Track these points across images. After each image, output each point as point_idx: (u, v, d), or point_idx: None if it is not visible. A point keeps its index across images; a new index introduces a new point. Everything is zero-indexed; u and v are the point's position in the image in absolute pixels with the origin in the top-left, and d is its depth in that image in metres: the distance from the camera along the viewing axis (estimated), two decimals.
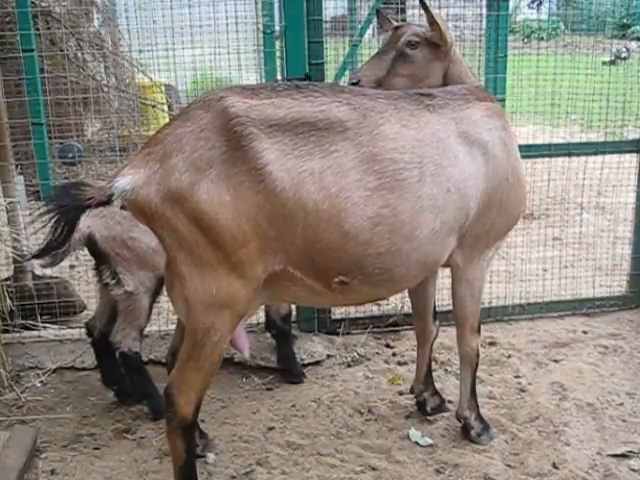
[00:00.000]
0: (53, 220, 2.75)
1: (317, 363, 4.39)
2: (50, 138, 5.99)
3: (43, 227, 2.81)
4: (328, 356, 4.45)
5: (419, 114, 3.13)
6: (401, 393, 4.04)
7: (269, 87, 2.99)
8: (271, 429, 3.78)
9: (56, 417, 3.91)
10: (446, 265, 3.39)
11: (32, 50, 4.17)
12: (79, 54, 7.76)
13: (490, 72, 4.51)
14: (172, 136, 2.80)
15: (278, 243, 2.85)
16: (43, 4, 7.54)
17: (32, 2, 5.49)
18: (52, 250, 2.88)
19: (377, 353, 4.51)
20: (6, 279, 4.50)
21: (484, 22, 4.72)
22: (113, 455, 3.60)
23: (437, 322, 3.77)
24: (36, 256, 3.01)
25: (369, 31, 5.46)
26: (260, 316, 4.45)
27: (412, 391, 3.88)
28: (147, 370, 3.95)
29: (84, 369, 4.38)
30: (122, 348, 3.81)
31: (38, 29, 6.77)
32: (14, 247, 4.34)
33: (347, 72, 4.89)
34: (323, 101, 2.95)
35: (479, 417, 3.62)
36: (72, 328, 4.62)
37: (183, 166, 2.73)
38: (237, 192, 2.74)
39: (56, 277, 4.74)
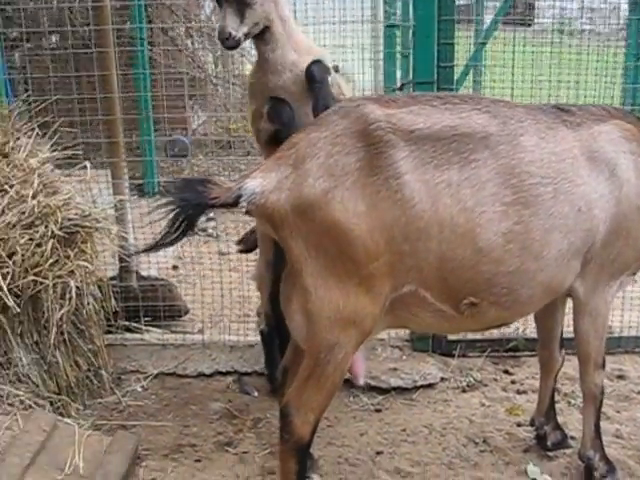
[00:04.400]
0: (172, 215, 2.88)
1: (430, 386, 4.45)
2: (156, 131, 6.29)
3: (160, 220, 2.94)
4: (442, 379, 4.50)
5: (556, 128, 3.17)
6: (519, 424, 4.06)
7: (407, 95, 3.10)
8: (379, 453, 3.86)
9: (157, 424, 4.10)
10: (568, 295, 3.41)
11: (142, 39, 4.37)
12: (189, 43, 8.05)
13: (629, 80, 4.45)
14: (306, 140, 2.90)
15: (411, 259, 2.91)
16: None
17: None
18: (164, 246, 3.01)
19: (494, 379, 4.53)
20: (111, 278, 4.73)
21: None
22: (214, 469, 3.76)
23: (563, 351, 3.77)
24: (146, 250, 3.17)
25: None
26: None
27: (532, 424, 3.90)
28: None
29: (186, 376, 4.57)
30: None
31: (149, 18, 7.10)
32: (121, 246, 4.57)
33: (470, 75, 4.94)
34: (463, 108, 3.02)
35: (604, 458, 3.60)
36: (175, 333, 4.84)
37: (317, 172, 2.82)
38: (372, 202, 2.81)
39: (161, 279, 4.96)
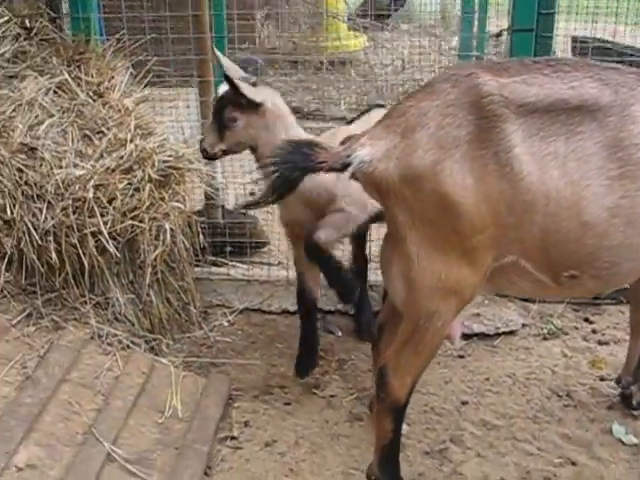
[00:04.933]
0: (276, 175, 2.93)
1: (512, 333, 4.54)
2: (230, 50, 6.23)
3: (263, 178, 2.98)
4: (523, 325, 4.58)
5: None
6: (602, 379, 4.14)
7: (518, 62, 3.04)
8: (464, 404, 3.98)
9: (245, 363, 4.26)
10: None
11: None
12: None
13: None
14: (416, 109, 2.88)
15: (515, 232, 2.92)
16: None
17: None
18: (265, 204, 3.09)
19: (575, 327, 4.60)
20: (198, 211, 4.81)
21: None
22: (304, 413, 3.91)
23: None
24: (246, 207, 3.25)
25: None
26: None
27: (618, 382, 3.96)
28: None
29: (271, 312, 4.70)
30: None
31: None
32: (210, 185, 4.66)
33: None
34: (575, 76, 2.95)
35: None
36: (258, 265, 4.95)
37: (427, 143, 2.82)
38: (480, 175, 2.81)
39: (245, 214, 5.03)
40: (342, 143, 3.07)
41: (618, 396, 3.96)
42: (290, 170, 2.93)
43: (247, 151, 3.85)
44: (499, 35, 4.44)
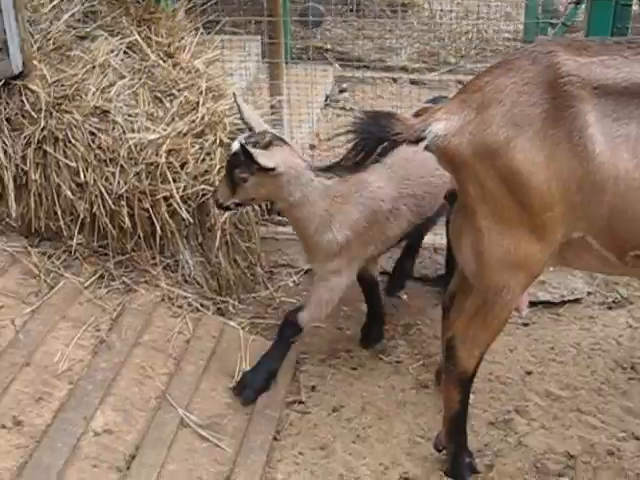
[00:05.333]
0: (354, 144, 3.00)
1: (576, 301, 4.55)
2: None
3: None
4: (588, 294, 4.58)
5: None
6: None
7: (598, 41, 3.03)
8: (529, 373, 4.04)
9: (312, 326, 4.32)
10: None
11: None
12: None
13: None
14: (492, 85, 2.91)
15: (583, 210, 2.95)
16: None
17: None
18: (340, 171, 3.15)
19: None
20: None
21: None
22: (371, 378, 4.00)
23: None
24: (323, 170, 3.32)
25: None
26: None
27: None
28: None
29: None
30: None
31: None
32: None
33: None
34: None
35: None
36: None
37: (502, 120, 2.85)
38: (552, 154, 2.85)
39: None
40: (417, 115, 3.10)
41: None
42: (367, 140, 3.00)
43: None
44: (578, 2, 4.33)
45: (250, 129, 3.59)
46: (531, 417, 3.76)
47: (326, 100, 6.85)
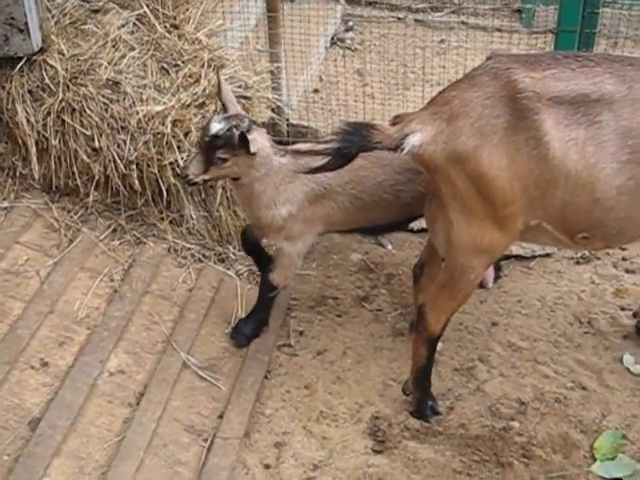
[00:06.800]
0: (334, 150, 3.46)
1: (547, 255, 5.03)
2: None
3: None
4: (558, 248, 5.06)
5: None
6: (623, 308, 4.63)
7: (550, 56, 3.51)
8: (495, 324, 4.56)
9: (303, 273, 4.85)
10: None
11: None
12: None
13: None
14: (459, 99, 3.43)
15: (539, 202, 3.53)
16: None
17: None
18: (323, 171, 3.63)
19: (607, 253, 5.02)
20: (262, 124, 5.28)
21: None
22: (353, 325, 4.55)
23: None
24: (307, 172, 3.80)
25: None
26: None
27: (635, 315, 4.50)
28: None
29: None
30: None
31: None
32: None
33: None
34: (597, 72, 3.45)
35: None
36: None
37: (470, 130, 3.39)
38: (513, 158, 3.40)
39: (308, 127, 5.49)
40: (393, 123, 3.59)
41: (634, 327, 4.50)
42: (349, 148, 3.48)
43: None
44: None
45: (224, 109, 3.90)
46: (492, 365, 4.31)
47: (332, 39, 7.18)
